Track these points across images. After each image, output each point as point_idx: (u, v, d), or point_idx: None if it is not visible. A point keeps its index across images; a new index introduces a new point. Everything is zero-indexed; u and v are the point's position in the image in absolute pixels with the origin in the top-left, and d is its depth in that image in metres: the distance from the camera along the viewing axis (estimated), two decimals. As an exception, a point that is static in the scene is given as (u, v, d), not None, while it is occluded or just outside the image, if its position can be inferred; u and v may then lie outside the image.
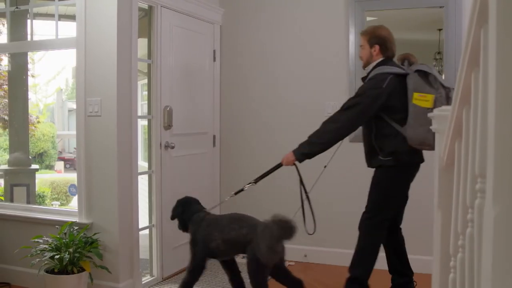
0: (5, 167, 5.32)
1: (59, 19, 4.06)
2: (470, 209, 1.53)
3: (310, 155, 3.49)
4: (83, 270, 3.52)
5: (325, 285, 4.12)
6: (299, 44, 4.79)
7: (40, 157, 9.62)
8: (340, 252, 4.64)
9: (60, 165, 10.88)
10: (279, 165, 3.65)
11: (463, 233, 1.66)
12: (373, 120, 3.45)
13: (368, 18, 4.59)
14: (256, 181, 3.69)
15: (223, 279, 3.97)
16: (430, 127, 2.89)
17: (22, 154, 5.26)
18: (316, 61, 4.72)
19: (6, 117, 5.75)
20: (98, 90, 3.72)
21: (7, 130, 5.85)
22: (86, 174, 3.80)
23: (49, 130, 10.11)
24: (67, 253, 3.44)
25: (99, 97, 3.72)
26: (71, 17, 4.16)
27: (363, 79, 3.57)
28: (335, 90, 4.65)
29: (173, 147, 4.30)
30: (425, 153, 4.24)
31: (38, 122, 8.93)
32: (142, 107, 4.96)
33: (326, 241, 4.69)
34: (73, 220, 3.80)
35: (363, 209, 4.70)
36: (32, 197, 5.43)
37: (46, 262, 3.50)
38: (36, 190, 6.40)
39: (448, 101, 3.21)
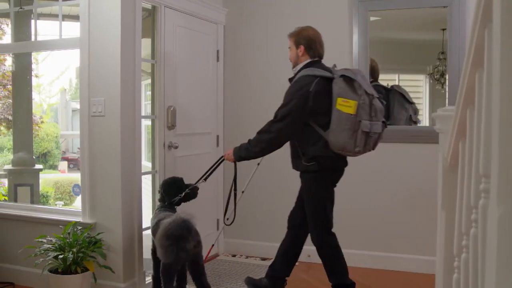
0: (9, 167, 5.33)
1: (63, 19, 4.07)
2: (474, 209, 1.53)
3: (246, 159, 3.59)
4: (86, 270, 3.52)
5: (328, 285, 4.11)
6: (302, 44, 4.78)
7: (44, 157, 9.63)
8: (344, 252, 4.63)
9: (63, 165, 10.88)
10: (221, 160, 3.79)
11: (467, 233, 1.66)
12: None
13: (372, 18, 4.58)
14: (206, 178, 3.81)
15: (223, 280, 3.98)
16: (358, 133, 2.95)
17: (26, 154, 5.27)
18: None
19: (10, 117, 5.77)
20: (101, 90, 3.73)
21: (11, 130, 5.87)
22: (89, 174, 3.81)
23: (53, 130, 10.12)
24: (70, 253, 3.44)
25: (103, 97, 3.72)
26: (75, 17, 4.17)
27: (290, 80, 3.54)
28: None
29: (176, 147, 4.30)
30: (428, 153, 4.24)
31: (42, 122, 8.93)
32: (145, 107, 4.96)
33: (329, 241, 4.68)
34: (77, 220, 3.80)
35: (366, 209, 4.72)
36: (36, 197, 5.45)
37: (49, 262, 3.51)
38: (40, 190, 6.40)
39: (371, 108, 3.23)
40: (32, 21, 4.36)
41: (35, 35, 4.26)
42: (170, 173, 4.23)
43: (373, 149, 3.42)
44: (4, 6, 4.67)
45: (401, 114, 4.63)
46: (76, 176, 8.79)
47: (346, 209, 4.64)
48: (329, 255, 3.57)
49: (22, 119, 5.23)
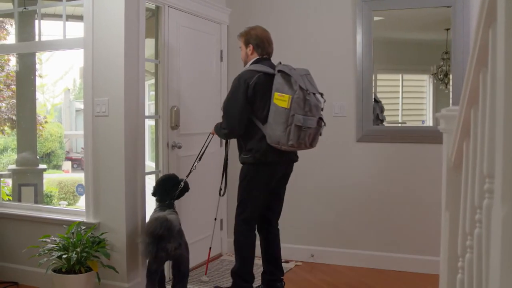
0: (13, 167, 5.34)
1: (66, 20, 4.08)
2: (478, 209, 1.53)
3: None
4: (90, 269, 3.53)
5: (331, 285, 4.12)
6: (306, 44, 4.78)
7: (48, 157, 9.65)
8: (347, 252, 4.63)
9: (67, 165, 10.90)
10: (210, 136, 4.03)
11: (471, 233, 1.65)
12: None
13: (376, 18, 4.58)
14: (200, 158, 3.95)
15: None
16: (292, 127, 3.17)
17: (30, 154, 5.28)
18: (323, 61, 4.71)
19: (14, 117, 5.79)
20: (105, 90, 3.73)
21: (15, 130, 5.88)
22: (93, 174, 3.81)
23: (57, 130, 10.14)
24: (74, 252, 3.45)
25: (107, 97, 3.73)
26: (79, 18, 4.18)
27: None
28: (343, 90, 4.64)
29: (180, 147, 4.30)
30: (432, 153, 4.24)
31: (46, 122, 8.95)
32: (149, 107, 4.97)
33: (333, 242, 4.68)
34: (81, 219, 3.81)
35: (370, 209, 4.71)
36: (40, 196, 5.46)
37: (53, 261, 3.52)
38: (44, 190, 6.42)
39: (305, 102, 3.32)
40: (36, 21, 4.37)
41: (39, 35, 4.27)
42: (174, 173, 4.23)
43: (311, 145, 3.51)
44: (8, 6, 4.69)
45: None
46: (79, 176, 8.81)
47: (349, 209, 4.64)
48: (239, 243, 3.66)
49: (26, 119, 5.25)
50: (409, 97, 4.88)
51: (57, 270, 3.51)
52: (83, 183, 3.92)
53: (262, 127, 3.46)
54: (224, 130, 3.62)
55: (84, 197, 3.95)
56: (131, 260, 3.75)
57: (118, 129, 3.69)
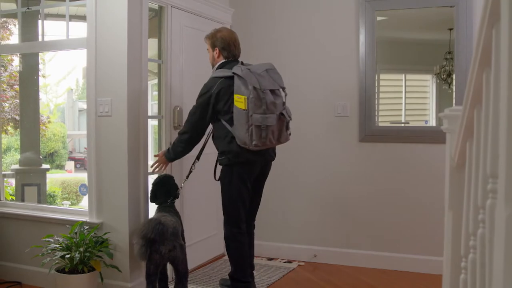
0: (16, 166, 5.36)
1: (70, 20, 4.09)
2: (482, 209, 1.52)
3: (177, 158, 3.81)
4: (93, 269, 3.54)
5: (334, 285, 4.11)
6: (309, 45, 4.78)
7: (51, 157, 9.69)
8: (350, 252, 4.63)
9: (70, 165, 10.94)
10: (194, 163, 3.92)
11: (474, 233, 1.65)
12: (212, 121, 3.62)
13: (379, 18, 4.57)
14: (198, 158, 3.88)
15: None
16: (252, 127, 3.19)
17: (33, 154, 5.30)
18: (326, 61, 4.71)
19: (18, 117, 5.80)
20: (108, 90, 3.74)
21: (18, 130, 5.90)
22: (96, 174, 3.82)
23: (60, 130, 10.18)
24: (77, 252, 3.46)
25: (110, 97, 3.73)
26: (82, 18, 4.18)
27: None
28: (345, 90, 4.64)
29: (183, 147, 4.30)
30: (436, 153, 4.23)
31: (49, 122, 8.98)
32: (152, 107, 4.97)
33: (335, 242, 4.68)
34: (84, 219, 3.82)
35: (372, 209, 4.71)
36: (43, 196, 5.48)
37: (56, 261, 3.53)
38: (47, 189, 6.44)
39: (261, 101, 3.34)
40: (39, 22, 4.38)
41: (42, 35, 4.28)
42: (177, 174, 4.24)
43: (279, 142, 3.53)
44: (12, 6, 4.70)
45: None
46: (82, 176, 8.83)
47: (352, 209, 4.64)
48: (231, 248, 3.65)
49: (29, 119, 5.26)
50: (412, 97, 4.88)
51: (60, 270, 3.52)
52: (86, 183, 3.93)
53: (231, 129, 3.47)
54: (186, 136, 3.61)
55: (87, 197, 3.96)
56: (134, 260, 3.76)
57: (121, 129, 3.70)
